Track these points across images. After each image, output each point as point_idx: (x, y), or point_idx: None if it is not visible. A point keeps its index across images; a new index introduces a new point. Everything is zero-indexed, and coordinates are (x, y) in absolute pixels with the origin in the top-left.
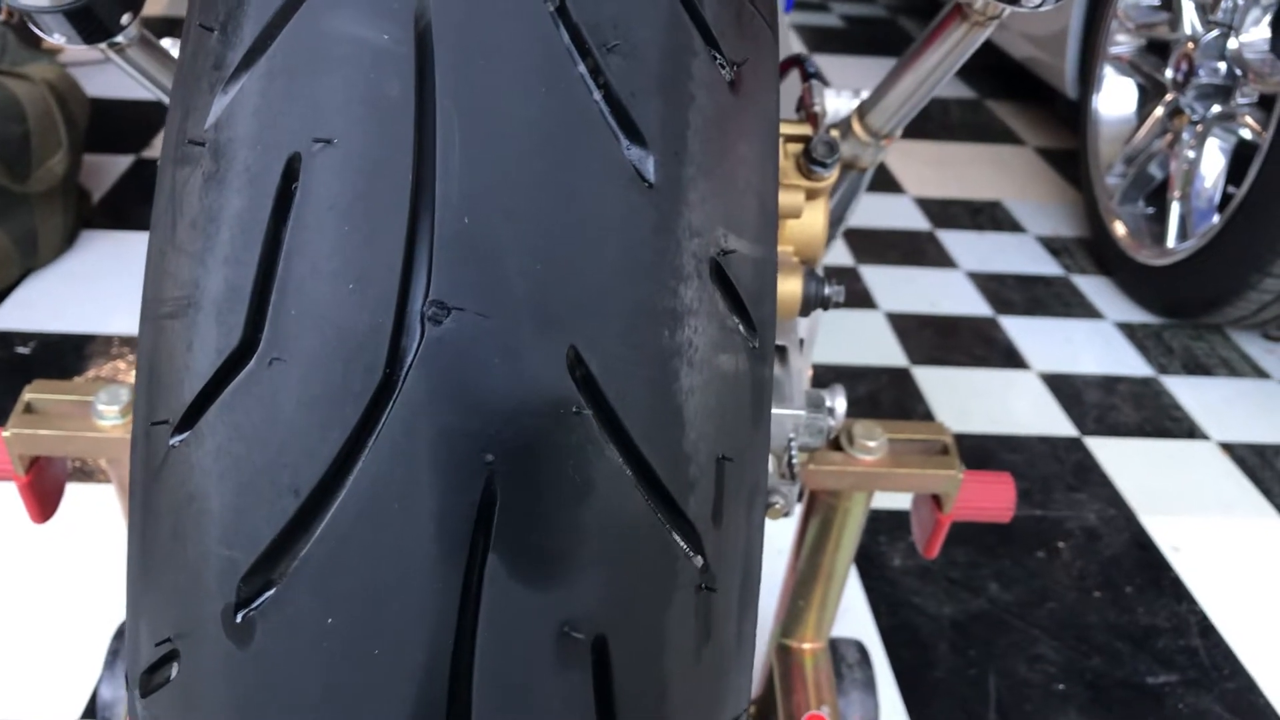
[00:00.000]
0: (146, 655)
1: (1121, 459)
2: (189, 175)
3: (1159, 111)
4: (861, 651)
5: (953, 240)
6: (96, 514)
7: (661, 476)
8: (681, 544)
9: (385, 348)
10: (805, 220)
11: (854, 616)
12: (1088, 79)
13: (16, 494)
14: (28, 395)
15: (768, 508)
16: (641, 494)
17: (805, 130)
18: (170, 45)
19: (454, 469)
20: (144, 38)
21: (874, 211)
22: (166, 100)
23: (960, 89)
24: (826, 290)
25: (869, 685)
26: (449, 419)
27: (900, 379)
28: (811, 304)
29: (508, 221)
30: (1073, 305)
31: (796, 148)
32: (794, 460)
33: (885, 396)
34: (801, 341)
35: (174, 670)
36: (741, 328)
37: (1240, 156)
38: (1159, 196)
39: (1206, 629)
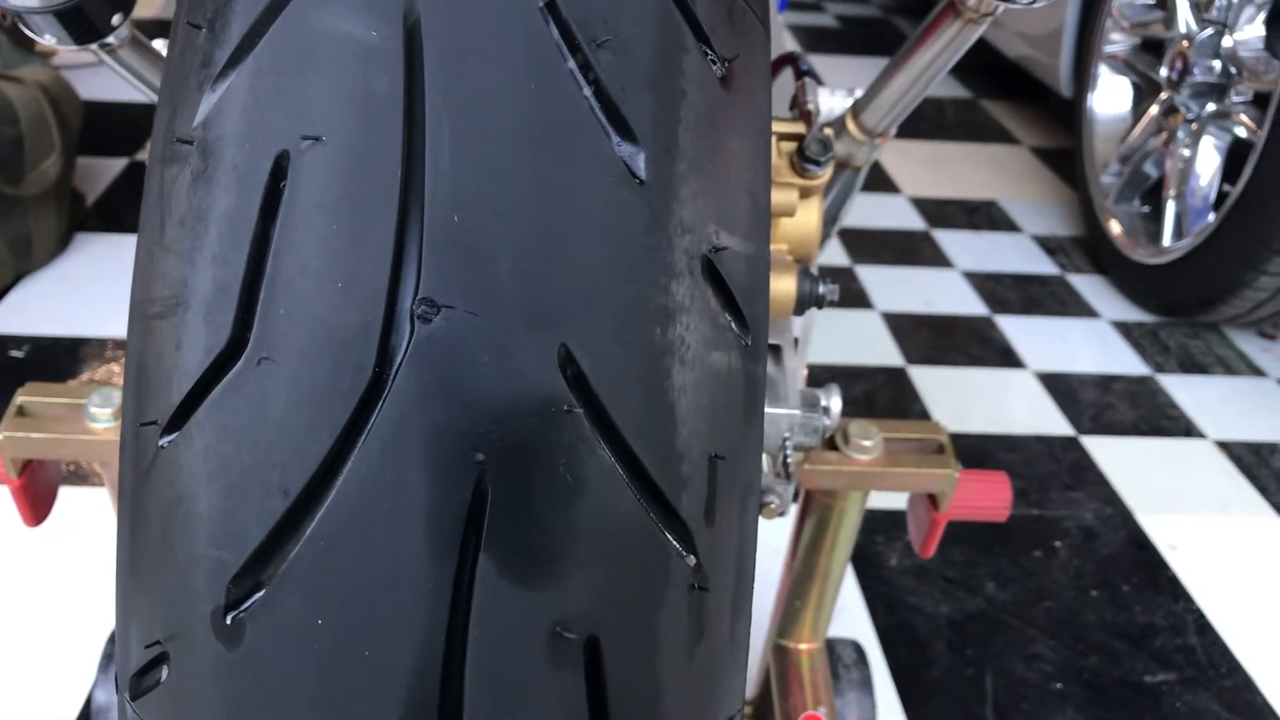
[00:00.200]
0: (136, 658)
1: (1118, 458)
2: (177, 174)
3: (1154, 110)
4: (858, 652)
5: (948, 240)
6: (91, 517)
7: (653, 475)
8: (674, 543)
9: (375, 346)
10: (799, 218)
11: (851, 616)
12: (1082, 78)
13: (9, 497)
14: (20, 398)
15: (763, 507)
16: (633, 493)
17: (799, 128)
18: (163, 46)
19: (444, 468)
20: (135, 39)
21: (869, 211)
22: None
23: (955, 88)
24: (821, 289)
25: (866, 685)
26: (439, 418)
27: (896, 379)
28: (806, 303)
29: (497, 219)
30: (1069, 304)
31: (790, 146)
32: (789, 459)
33: (881, 396)
34: (796, 340)
35: (164, 673)
36: (734, 325)
37: (1235, 155)
38: (1154, 195)
39: (1203, 627)
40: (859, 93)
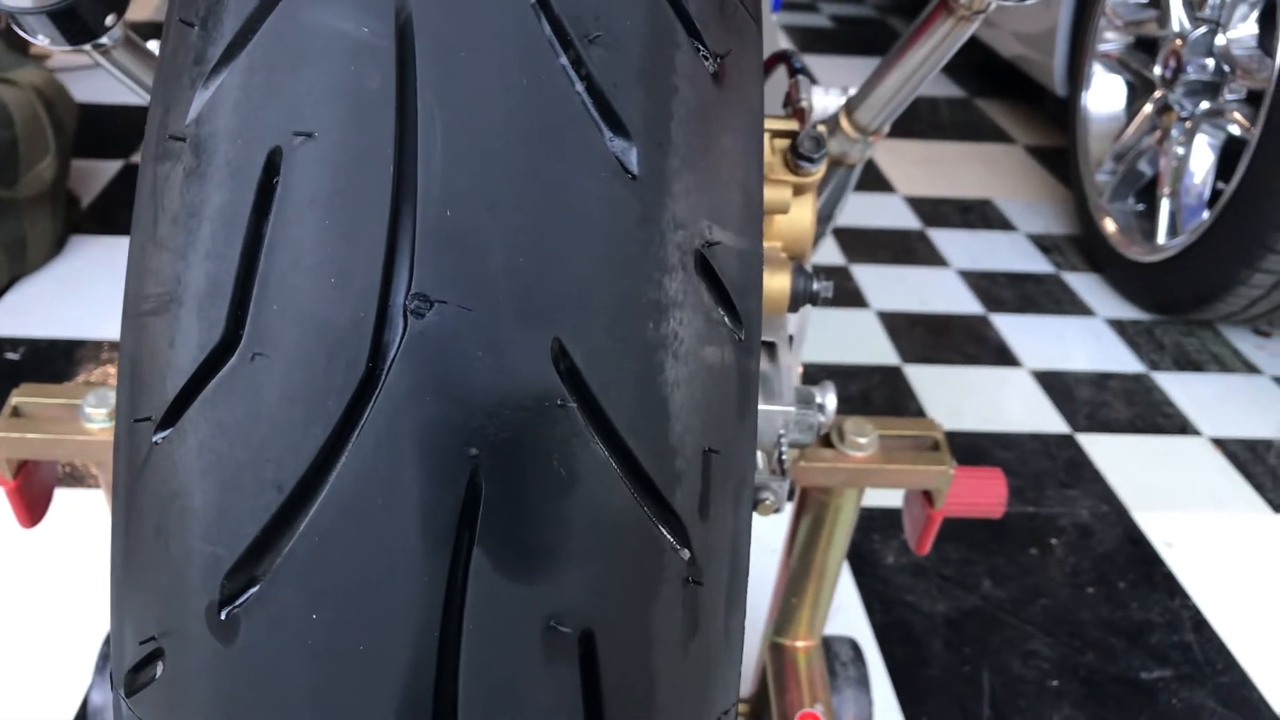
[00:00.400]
0: (131, 654)
1: (1113, 455)
2: (170, 171)
3: (1148, 108)
4: (855, 649)
5: (943, 239)
6: (87, 519)
7: (647, 469)
8: (668, 537)
9: (368, 342)
10: (793, 216)
11: (847, 615)
12: (1077, 77)
13: (4, 499)
14: (15, 399)
15: (758, 504)
16: (627, 487)
17: (792, 125)
18: (156, 47)
19: (438, 463)
20: (129, 39)
21: (865, 211)
22: None
23: (950, 88)
24: (815, 286)
25: (863, 683)
26: (432, 413)
27: (892, 377)
28: (800, 299)
29: (490, 214)
30: (1064, 302)
31: (783, 143)
32: (784, 457)
33: (877, 395)
34: (791, 338)
35: (159, 669)
36: (727, 320)
37: (1229, 152)
38: (1149, 193)
39: (1200, 624)
40: (852, 91)
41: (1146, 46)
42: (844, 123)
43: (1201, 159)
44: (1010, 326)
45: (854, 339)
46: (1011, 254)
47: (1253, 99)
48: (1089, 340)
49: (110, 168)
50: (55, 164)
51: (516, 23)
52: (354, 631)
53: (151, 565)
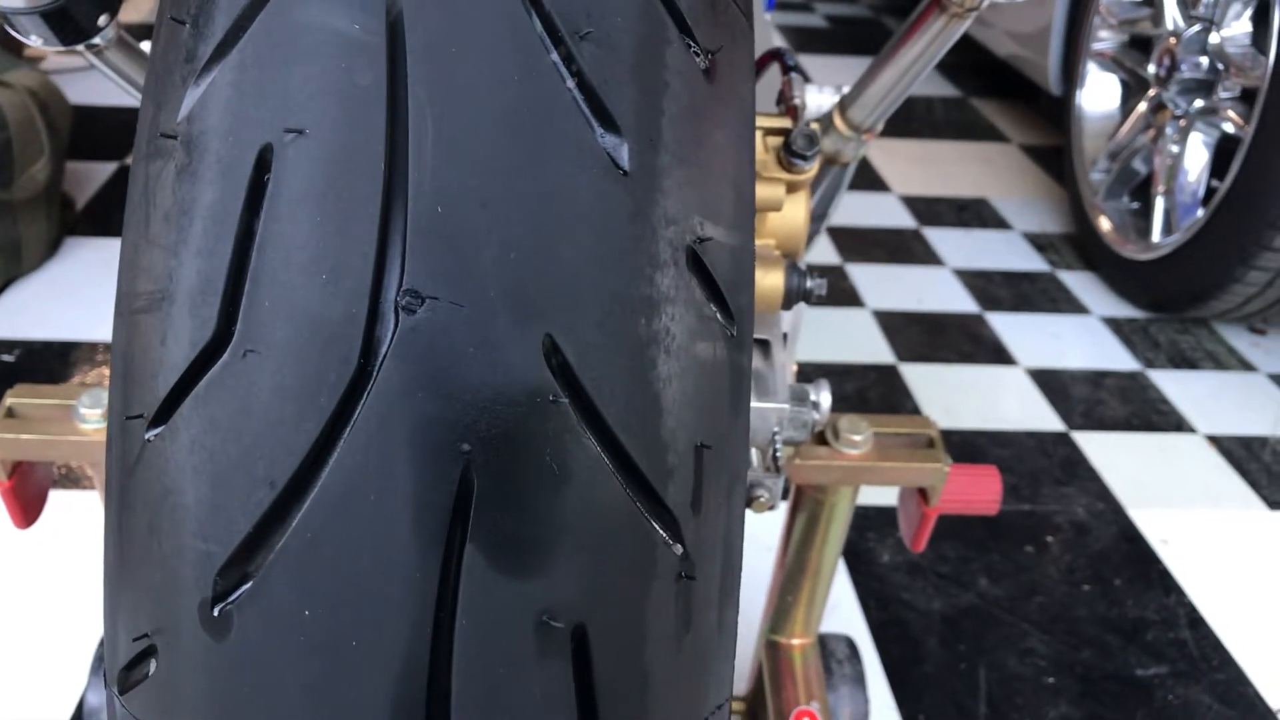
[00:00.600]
0: (124, 652)
1: (1109, 453)
2: (162, 169)
3: (1142, 107)
4: (851, 647)
5: (939, 238)
6: (82, 520)
7: (640, 464)
8: (660, 532)
9: (359, 338)
10: (786, 213)
11: (843, 613)
12: (1071, 75)
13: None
14: (9, 400)
15: (753, 501)
16: (620, 482)
17: (785, 123)
18: (149, 47)
19: (430, 459)
20: (122, 39)
21: (860, 210)
22: None
23: (944, 87)
24: (809, 284)
25: (859, 680)
26: (425, 408)
27: (888, 376)
28: (794, 297)
29: (481, 210)
30: (1059, 301)
31: (776, 141)
32: (779, 454)
33: (873, 393)
34: (785, 336)
35: (152, 666)
36: (719, 316)
37: (1223, 150)
38: (1143, 191)
39: (1195, 621)
40: (846, 89)
41: (1141, 45)
42: (837, 120)
43: (1196, 157)
44: (1006, 325)
45: (850, 338)
46: (1007, 253)
47: (1246, 97)
48: (1084, 338)
49: (105, 169)
50: (50, 166)
51: (507, 19)
52: (347, 627)
53: (144, 562)
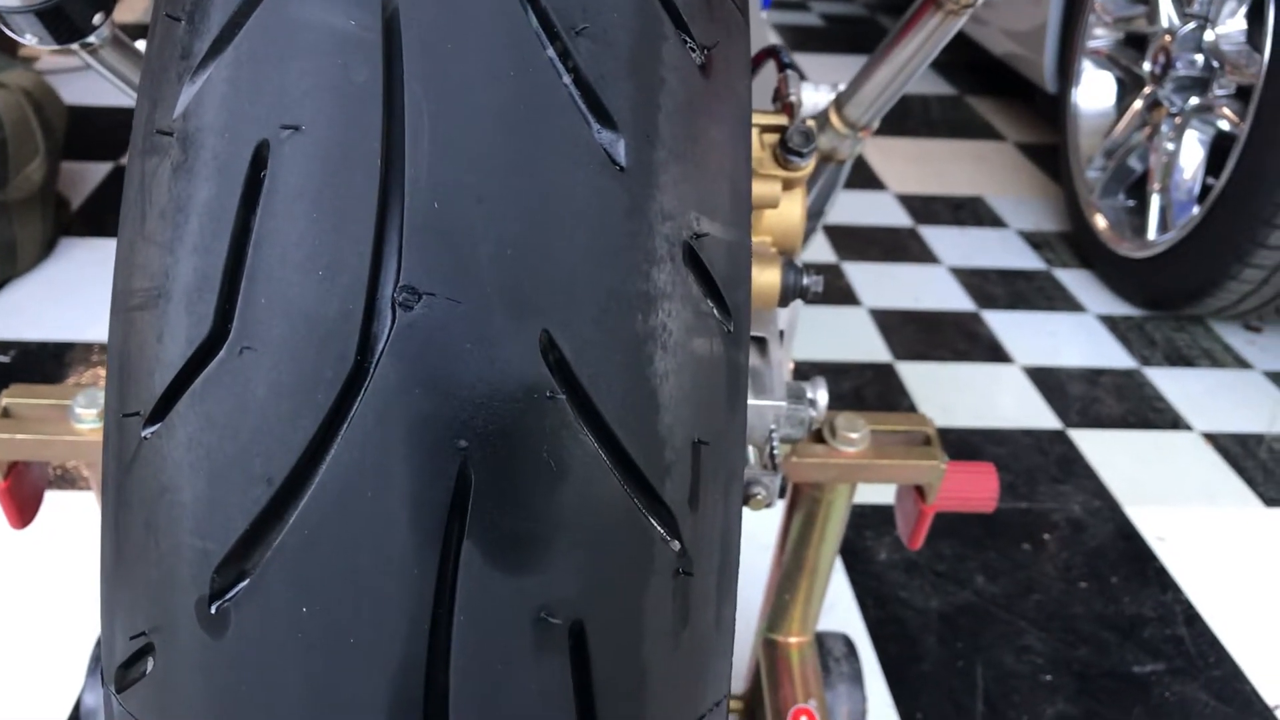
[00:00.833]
0: (121, 650)
1: (1105, 451)
2: (157, 166)
3: (1138, 104)
4: (848, 645)
5: (935, 236)
6: (78, 521)
7: (637, 460)
8: (658, 528)
9: (356, 334)
10: (783, 210)
11: (841, 611)
12: (1066, 73)
13: None
14: (5, 400)
15: (750, 498)
16: (617, 478)
17: (781, 120)
18: (144, 46)
19: (427, 455)
20: (117, 38)
21: (856, 208)
22: None
23: (940, 85)
24: (805, 281)
25: (856, 678)
26: (422, 405)
27: (884, 374)
28: (790, 294)
29: (478, 206)
30: (1055, 299)
31: (773, 138)
32: (776, 451)
33: (869, 392)
34: (782, 333)
35: (149, 664)
36: (716, 312)
37: (1219, 148)
38: (1139, 189)
39: (1192, 618)
40: (842, 87)
41: (1136, 43)
42: (833, 118)
43: (1191, 154)
44: (1002, 323)
45: (846, 336)
46: (1003, 251)
47: (1242, 94)
48: (1080, 336)
49: (100, 170)
50: (44, 166)
51: (503, 15)
52: (344, 624)
53: (141, 560)
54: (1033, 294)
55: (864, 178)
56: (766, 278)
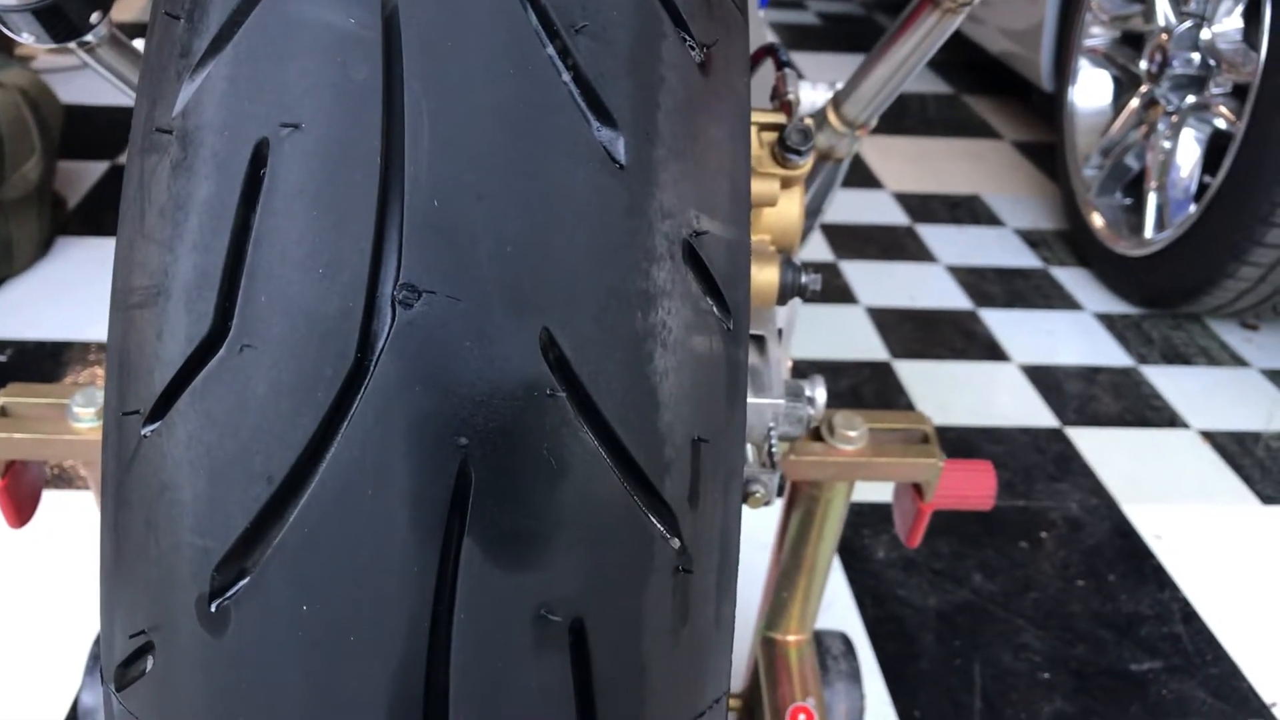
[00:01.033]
0: (121, 649)
1: (1103, 449)
2: (157, 164)
3: (1134, 103)
4: (846, 643)
5: (932, 234)
6: (75, 520)
7: (637, 458)
8: (658, 526)
9: (356, 332)
10: (781, 209)
11: (839, 609)
12: (1063, 72)
13: None
14: (2, 399)
15: (749, 496)
16: (617, 476)
17: (779, 118)
18: (141, 45)
19: (428, 453)
20: (115, 37)
21: (853, 207)
22: None
23: (937, 84)
24: (804, 279)
25: (854, 676)
26: (422, 403)
27: (881, 373)
28: (789, 292)
29: (478, 204)
30: (1052, 297)
31: (771, 136)
32: (774, 449)
33: (867, 390)
34: (780, 331)
35: (149, 663)
36: (715, 309)
37: (1215, 146)
38: (1136, 187)
39: (1189, 615)
40: (839, 85)
41: (1132, 41)
42: (831, 116)
43: (1188, 153)
44: (999, 321)
45: (843, 334)
46: (1000, 249)
47: (1238, 92)
48: (1077, 334)
49: (97, 169)
50: (41, 165)
51: (503, 13)
52: (345, 622)
53: (141, 558)
54: (1030, 292)
55: (861, 176)
56: (765, 276)
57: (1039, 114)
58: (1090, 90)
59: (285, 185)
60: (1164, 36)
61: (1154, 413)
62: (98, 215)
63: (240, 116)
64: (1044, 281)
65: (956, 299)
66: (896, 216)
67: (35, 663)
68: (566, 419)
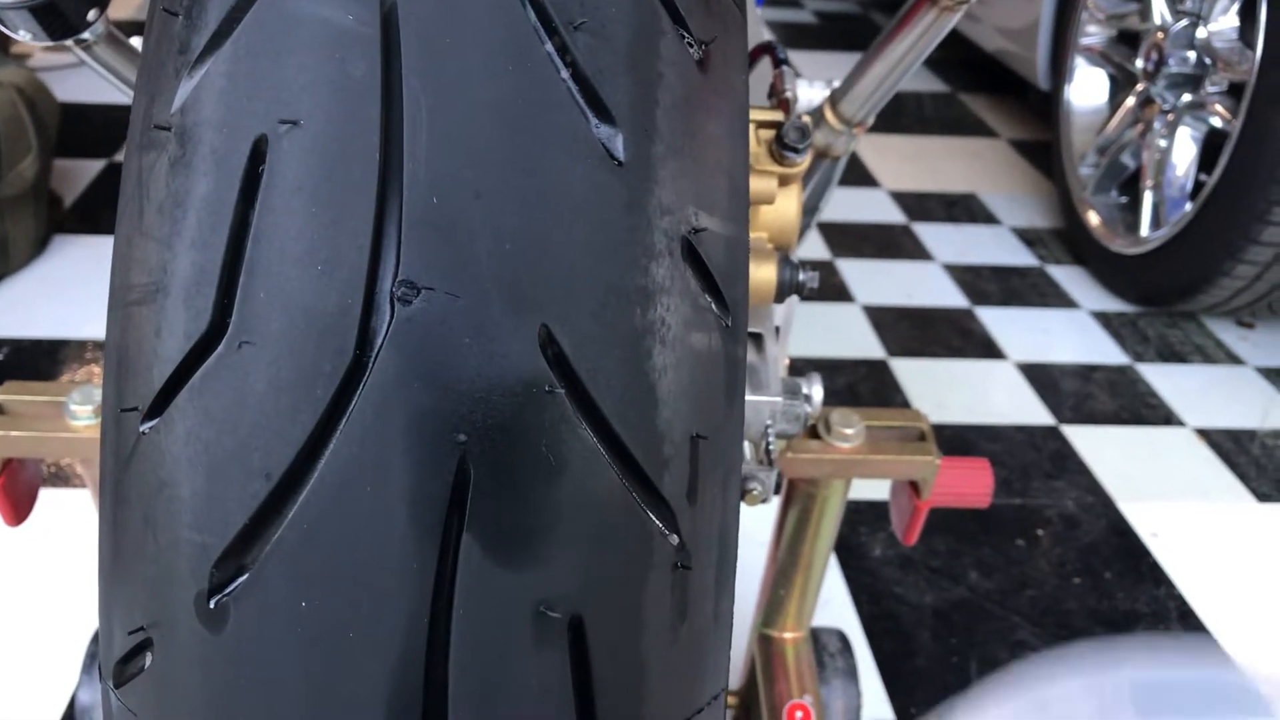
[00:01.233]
0: (120, 645)
1: (1099, 446)
2: (155, 161)
3: (1130, 101)
4: (843, 640)
5: (928, 233)
6: (72, 519)
7: (635, 454)
8: (657, 522)
9: (355, 329)
10: (779, 206)
11: (836, 607)
12: (1059, 70)
13: None
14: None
15: (746, 494)
16: (616, 472)
17: (777, 116)
18: (138, 43)
19: (426, 450)
20: (112, 34)
21: (850, 205)
22: None
23: (933, 83)
24: (801, 277)
25: (851, 674)
26: (421, 399)
27: (878, 371)
28: (786, 290)
29: (476, 200)
30: (1048, 295)
31: (769, 134)
32: (771, 447)
33: (863, 388)
34: (777, 329)
35: (147, 659)
36: (714, 307)
37: (1211, 144)
38: (1132, 186)
39: (1185, 613)
40: (836, 83)
41: (1128, 40)
42: (828, 114)
43: (1184, 151)
44: (995, 319)
45: (840, 333)
46: (996, 247)
47: (1234, 91)
48: (1073, 333)
49: (93, 167)
50: (37, 163)
51: (502, 9)
52: (343, 619)
53: (140, 555)
54: (1026, 290)
55: (858, 174)
56: (763, 273)
57: (1035, 112)
58: (1086, 89)
59: (284, 182)
60: (1160, 35)
61: (1150, 411)
62: (94, 213)
63: (239, 113)
64: (1040, 280)
65: (953, 297)
66: (893, 215)
67: (32, 661)
68: (565, 415)
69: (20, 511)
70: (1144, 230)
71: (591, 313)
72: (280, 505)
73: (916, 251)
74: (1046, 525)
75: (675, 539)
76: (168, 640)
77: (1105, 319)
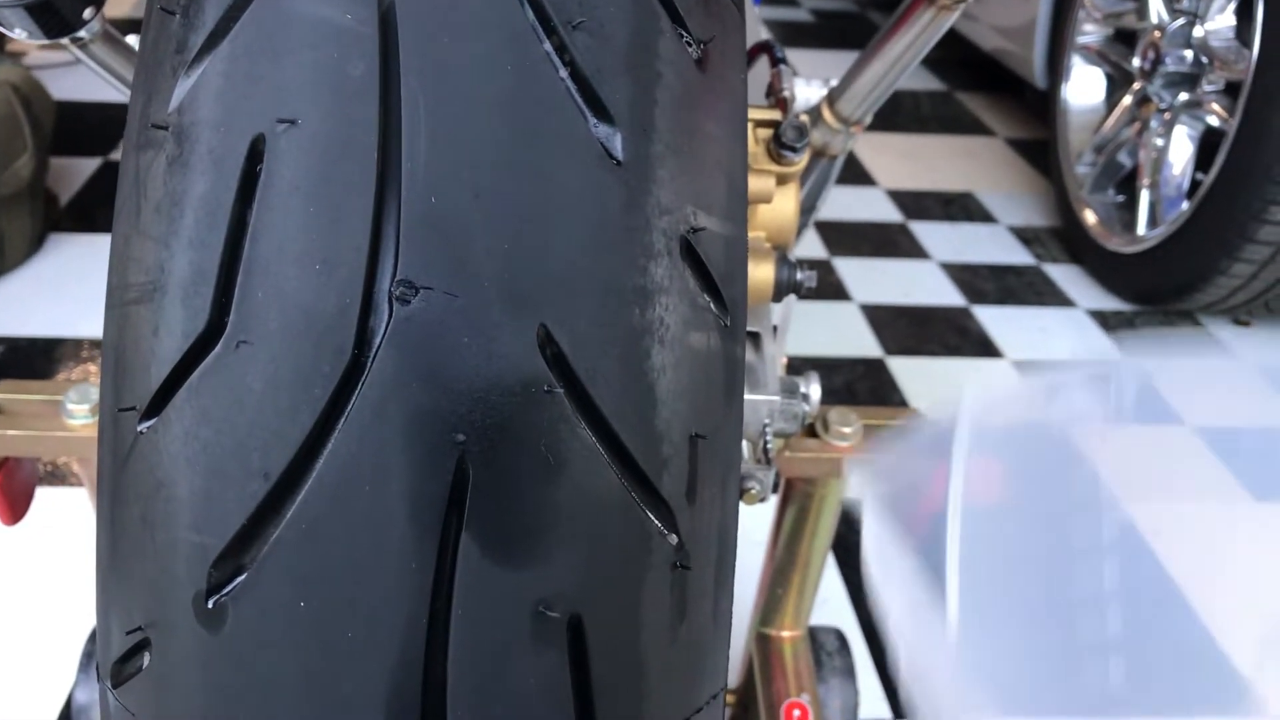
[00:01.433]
0: (118, 645)
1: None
2: (152, 160)
3: (1127, 100)
4: (841, 639)
5: (925, 231)
6: (69, 518)
7: (634, 454)
8: (656, 522)
9: (353, 328)
10: (776, 205)
11: (833, 605)
12: (1056, 69)
13: None
14: None
15: (744, 493)
16: (615, 472)
17: (775, 115)
18: (135, 41)
19: (425, 449)
20: (107, 33)
21: (847, 204)
22: None
23: (930, 81)
24: (799, 275)
25: (849, 673)
26: (419, 399)
27: (875, 369)
28: (784, 289)
29: (475, 200)
30: (1045, 294)
31: (766, 133)
32: (769, 446)
33: (861, 387)
34: (775, 328)
35: (145, 659)
36: (713, 306)
37: (1208, 143)
38: (1129, 184)
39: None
40: (834, 82)
41: (1125, 39)
42: (826, 113)
43: (1180, 150)
44: (992, 318)
45: (837, 331)
46: (993, 246)
47: (1231, 90)
48: (1070, 331)
49: (89, 165)
50: (33, 162)
51: (500, 8)
52: (342, 619)
53: (137, 555)
54: (1023, 289)
55: (855, 173)
56: (760, 273)
57: (1032, 111)
58: (1083, 87)
59: (282, 181)
60: (1157, 34)
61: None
62: (90, 212)
63: (236, 112)
64: (1037, 278)
65: (950, 296)
66: (890, 213)
67: (28, 660)
68: (564, 415)
69: (17, 510)
70: (1141, 229)
71: (590, 312)
72: (279, 505)
73: (913, 250)
74: None
75: (674, 538)
76: (166, 640)
77: (1102, 317)
